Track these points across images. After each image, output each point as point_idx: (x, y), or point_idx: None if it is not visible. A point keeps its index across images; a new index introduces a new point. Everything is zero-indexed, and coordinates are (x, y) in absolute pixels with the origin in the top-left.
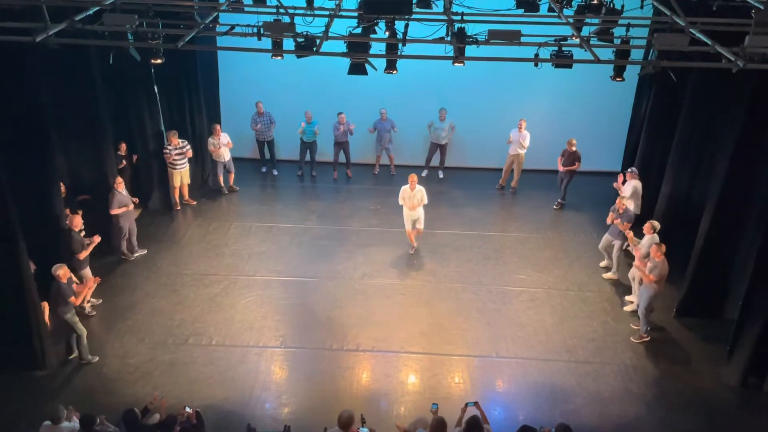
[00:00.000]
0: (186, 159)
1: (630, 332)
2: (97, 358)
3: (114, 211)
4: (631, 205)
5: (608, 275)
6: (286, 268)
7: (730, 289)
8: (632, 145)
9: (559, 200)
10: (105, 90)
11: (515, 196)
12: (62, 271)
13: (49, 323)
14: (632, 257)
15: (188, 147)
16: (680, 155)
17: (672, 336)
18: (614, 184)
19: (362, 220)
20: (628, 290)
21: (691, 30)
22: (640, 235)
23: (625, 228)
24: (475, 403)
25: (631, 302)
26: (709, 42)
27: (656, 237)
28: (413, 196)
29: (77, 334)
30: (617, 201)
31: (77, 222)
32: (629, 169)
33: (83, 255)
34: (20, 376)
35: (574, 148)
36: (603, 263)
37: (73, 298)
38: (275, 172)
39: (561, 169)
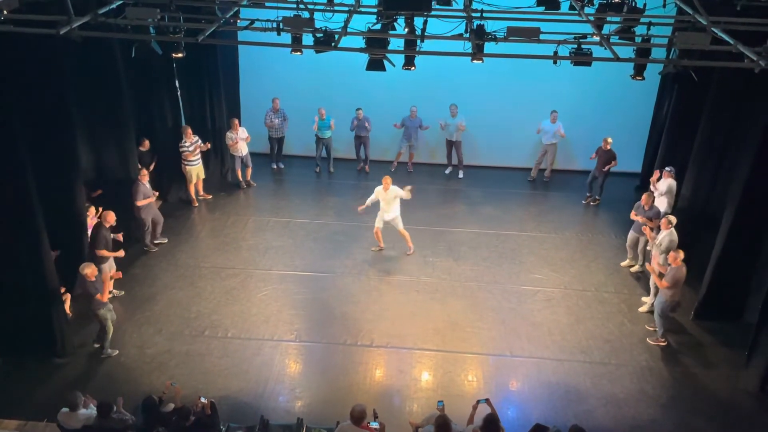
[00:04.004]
0: (199, 154)
1: (646, 333)
2: (117, 352)
3: (140, 203)
4: (664, 204)
5: (634, 268)
6: (302, 262)
7: (750, 292)
8: (654, 145)
9: (593, 196)
10: (127, 84)
11: (533, 196)
12: (89, 270)
13: (69, 313)
14: None
15: (200, 141)
16: (702, 156)
17: (690, 338)
18: (651, 179)
19: None
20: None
21: (713, 29)
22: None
23: (653, 224)
24: (487, 400)
25: (646, 302)
26: (731, 41)
27: (674, 232)
28: (387, 197)
29: (105, 330)
30: (643, 197)
31: (110, 218)
32: (667, 168)
33: (104, 253)
34: (40, 363)
35: (609, 147)
36: (624, 263)
37: (99, 295)
38: (281, 166)
39: (601, 169)
